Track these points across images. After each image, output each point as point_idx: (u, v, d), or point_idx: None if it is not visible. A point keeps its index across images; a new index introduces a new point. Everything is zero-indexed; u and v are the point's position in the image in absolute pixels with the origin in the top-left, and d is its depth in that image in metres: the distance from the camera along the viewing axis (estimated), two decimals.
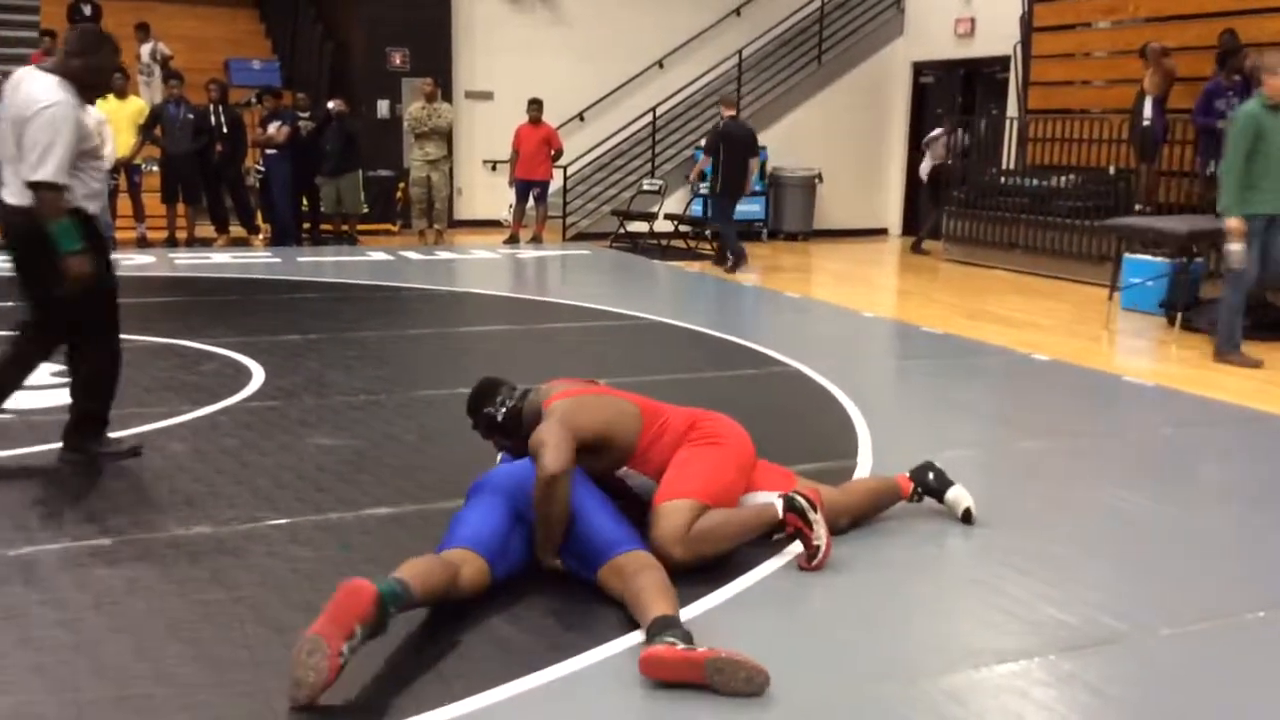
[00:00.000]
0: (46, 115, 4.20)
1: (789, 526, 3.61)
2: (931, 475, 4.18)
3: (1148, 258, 9.28)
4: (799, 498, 3.58)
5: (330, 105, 12.73)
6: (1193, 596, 3.58)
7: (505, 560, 3.37)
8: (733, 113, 11.93)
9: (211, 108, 12.24)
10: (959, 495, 4.14)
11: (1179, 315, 8.43)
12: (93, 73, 4.48)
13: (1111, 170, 11.32)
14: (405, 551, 3.31)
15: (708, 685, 2.81)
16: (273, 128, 12.27)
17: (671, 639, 2.88)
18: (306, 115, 12.59)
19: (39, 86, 4.29)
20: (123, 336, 4.70)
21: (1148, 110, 10.76)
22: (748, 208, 14.77)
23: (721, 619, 3.29)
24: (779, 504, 3.62)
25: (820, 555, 3.59)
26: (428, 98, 13.08)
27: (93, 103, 5.14)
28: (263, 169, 12.45)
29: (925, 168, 13.66)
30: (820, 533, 3.58)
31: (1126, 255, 9.42)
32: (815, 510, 3.58)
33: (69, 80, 4.36)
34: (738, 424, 3.96)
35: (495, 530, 3.38)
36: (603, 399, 3.80)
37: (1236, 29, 10.68)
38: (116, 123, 11.64)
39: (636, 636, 3.11)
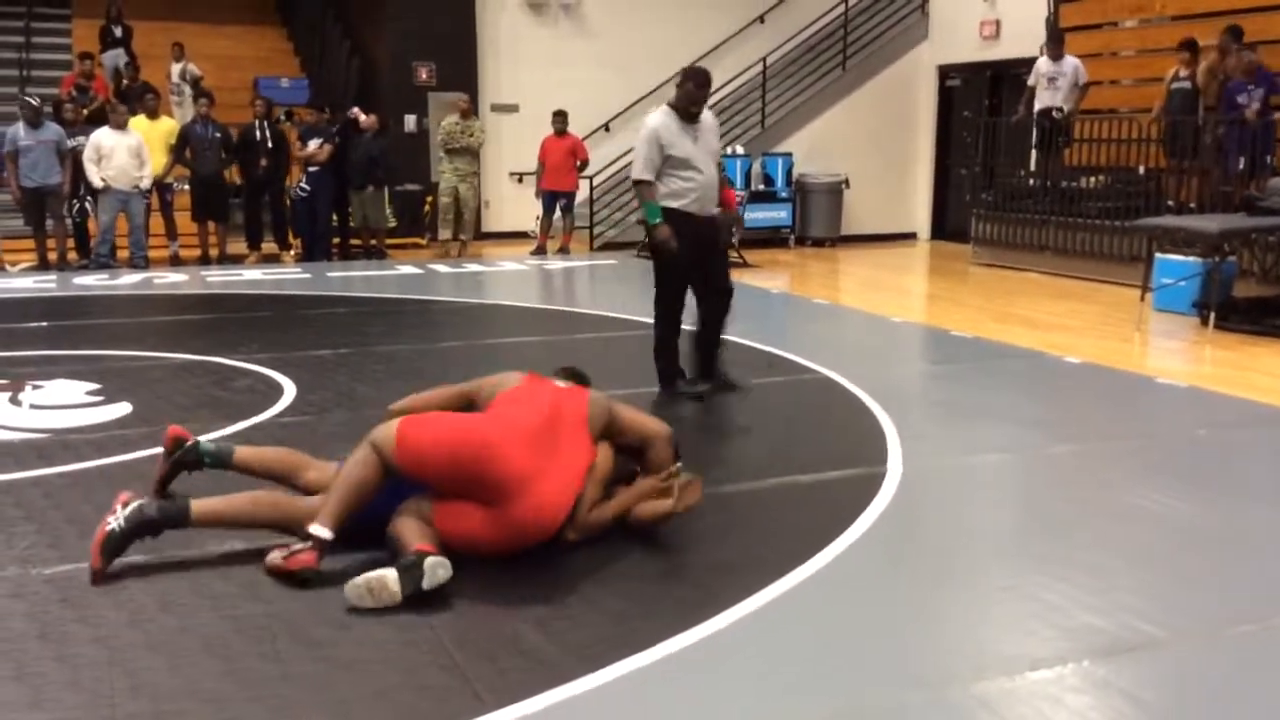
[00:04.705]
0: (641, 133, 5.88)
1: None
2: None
3: (1179, 257, 9.19)
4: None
5: (351, 113, 12.80)
6: (1229, 601, 3.54)
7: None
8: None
9: (257, 123, 12.38)
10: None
11: (1212, 315, 8.36)
12: (680, 99, 5.88)
13: (1141, 170, 11.23)
14: None
15: None
16: (313, 145, 12.35)
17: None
18: (335, 129, 12.68)
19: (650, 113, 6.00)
20: (156, 354, 4.75)
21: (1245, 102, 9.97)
22: (774, 214, 14.84)
23: (754, 624, 3.29)
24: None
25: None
26: (463, 114, 13.19)
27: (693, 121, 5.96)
28: (307, 187, 12.48)
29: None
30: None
31: (1158, 255, 9.34)
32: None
33: (671, 106, 5.92)
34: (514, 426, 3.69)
35: None
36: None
37: (1264, 26, 10.57)
38: (149, 142, 11.81)
39: (669, 647, 3.12)
